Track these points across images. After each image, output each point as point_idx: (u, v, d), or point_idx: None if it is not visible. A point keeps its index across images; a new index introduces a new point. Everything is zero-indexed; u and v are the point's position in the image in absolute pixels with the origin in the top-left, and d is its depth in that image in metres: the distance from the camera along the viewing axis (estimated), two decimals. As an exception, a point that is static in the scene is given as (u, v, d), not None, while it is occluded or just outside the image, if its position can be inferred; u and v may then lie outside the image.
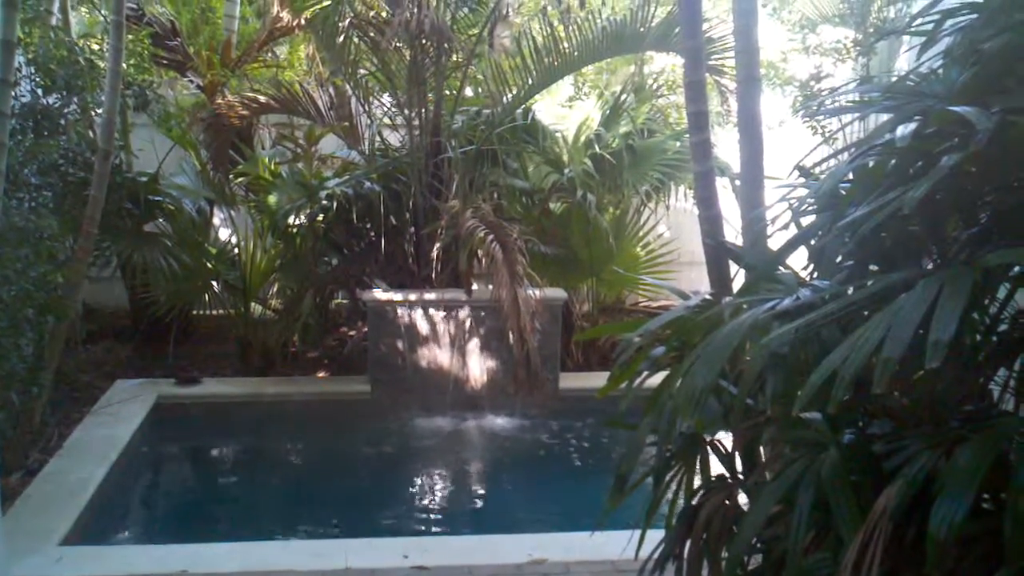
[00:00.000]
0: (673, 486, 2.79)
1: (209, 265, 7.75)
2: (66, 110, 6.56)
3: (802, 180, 2.95)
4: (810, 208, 2.72)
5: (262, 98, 7.94)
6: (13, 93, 5.66)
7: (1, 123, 5.37)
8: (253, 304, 7.92)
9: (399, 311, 6.93)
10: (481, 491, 6.33)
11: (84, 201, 6.24)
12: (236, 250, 8.05)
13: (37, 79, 6.32)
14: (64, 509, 4.83)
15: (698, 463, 2.80)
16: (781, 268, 2.74)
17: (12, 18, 5.49)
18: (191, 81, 8.51)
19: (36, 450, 5.61)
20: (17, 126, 5.87)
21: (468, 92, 8.22)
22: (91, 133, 7.10)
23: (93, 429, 6.07)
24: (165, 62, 8.51)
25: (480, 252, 6.76)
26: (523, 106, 7.80)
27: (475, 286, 7.03)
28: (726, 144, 7.56)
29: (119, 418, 6.26)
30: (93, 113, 7.06)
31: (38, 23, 6.73)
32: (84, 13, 9.07)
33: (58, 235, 5.80)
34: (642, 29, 7.28)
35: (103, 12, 8.43)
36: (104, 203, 6.20)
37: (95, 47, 7.22)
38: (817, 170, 3.01)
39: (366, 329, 7.33)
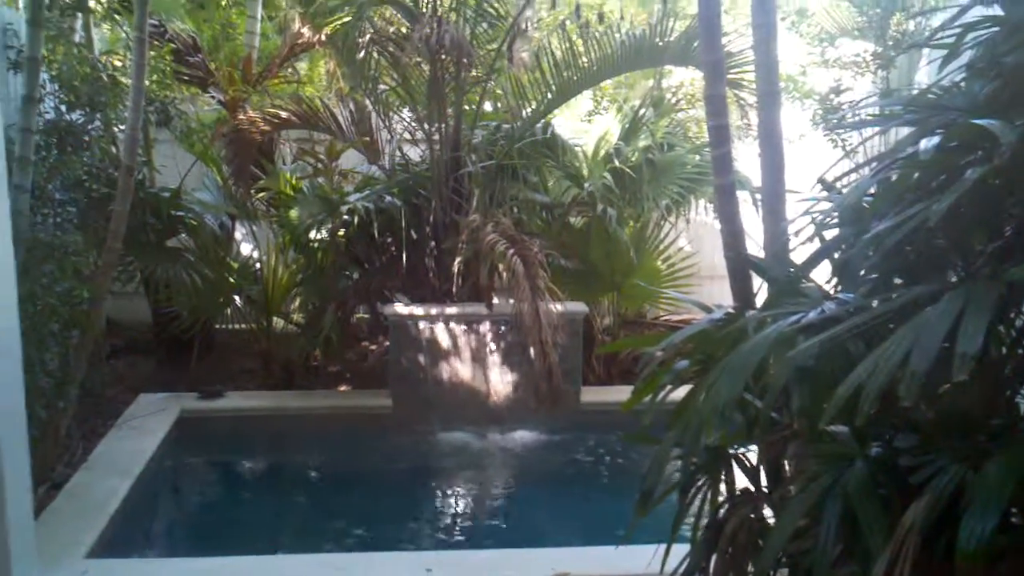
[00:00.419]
0: (698, 500, 2.80)
1: (231, 280, 7.76)
2: (90, 126, 6.61)
3: (825, 194, 2.96)
4: (833, 221, 2.73)
5: (283, 113, 7.98)
6: (38, 110, 5.73)
7: (27, 139, 5.44)
8: (275, 318, 7.95)
9: (420, 325, 6.93)
10: (504, 505, 6.31)
11: (108, 216, 6.28)
12: (258, 265, 8.08)
13: (61, 96, 6.39)
14: (90, 522, 4.86)
15: (723, 476, 2.81)
16: (805, 281, 2.74)
17: (37, 36, 5.56)
18: (212, 97, 8.58)
19: (61, 463, 5.64)
20: (42, 142, 5.93)
21: (487, 107, 8.24)
22: (114, 149, 7.15)
23: (117, 442, 6.10)
24: (186, 78, 8.57)
25: (501, 266, 6.77)
26: (542, 120, 7.82)
27: (496, 300, 7.05)
28: (746, 157, 7.56)
29: (143, 432, 6.28)
30: (116, 129, 7.12)
31: (62, 40, 6.78)
32: (106, 30, 9.14)
33: (83, 250, 5.84)
34: (661, 43, 7.30)
35: (125, 29, 8.50)
36: (127, 218, 6.23)
37: (117, 64, 7.27)
38: (839, 184, 3.02)
39: (387, 343, 7.34)
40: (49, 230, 5.94)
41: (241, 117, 7.89)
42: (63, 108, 6.39)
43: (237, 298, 7.83)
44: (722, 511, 2.74)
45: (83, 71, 6.48)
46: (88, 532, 4.74)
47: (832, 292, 2.61)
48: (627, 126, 8.15)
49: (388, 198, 7.45)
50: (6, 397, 2.66)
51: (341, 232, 7.35)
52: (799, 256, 2.94)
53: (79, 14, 7.75)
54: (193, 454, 6.70)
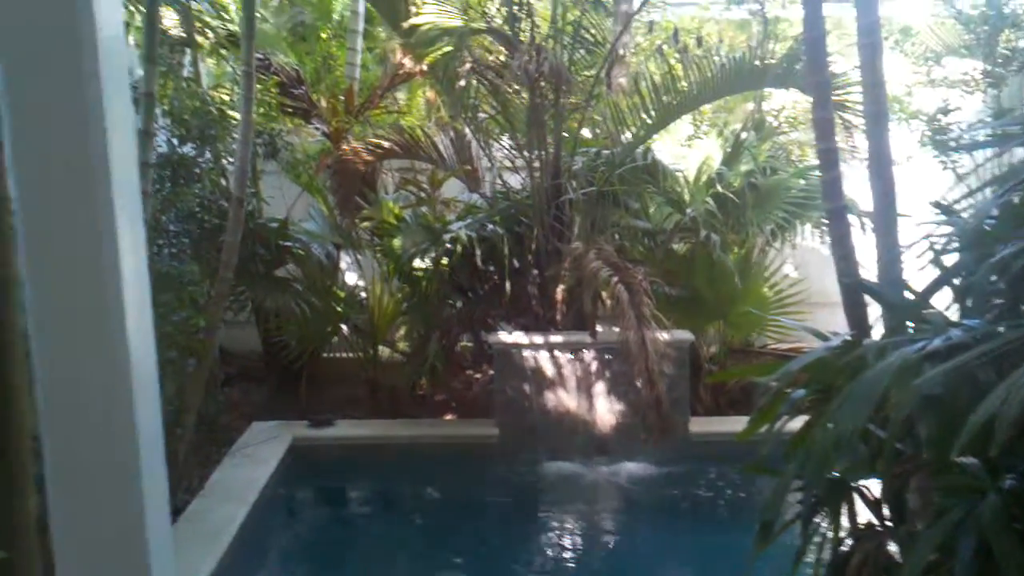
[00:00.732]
0: (819, 533, 2.75)
1: (338, 308, 7.89)
2: (200, 159, 6.81)
3: (941, 217, 2.90)
4: (953, 246, 2.67)
5: (386, 144, 8.12)
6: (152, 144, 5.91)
7: (144, 173, 5.61)
8: (381, 346, 8.05)
9: (525, 354, 6.94)
10: (616, 537, 6.22)
11: (219, 247, 6.44)
12: (363, 293, 8.21)
13: (172, 130, 6.59)
14: (209, 548, 4.96)
15: (844, 509, 2.75)
16: (926, 308, 2.69)
17: (153, 72, 5.75)
18: (316, 128, 8.76)
19: (180, 490, 5.78)
20: (155, 175, 6.11)
21: (586, 133, 8.26)
22: (223, 181, 7.35)
23: (232, 470, 6.24)
24: (290, 110, 8.78)
25: (604, 294, 6.75)
26: (642, 146, 7.80)
27: (600, 328, 7.01)
28: (852, 180, 7.44)
29: (257, 459, 6.42)
30: (225, 161, 7.32)
31: (171, 76, 7.00)
32: (211, 64, 9.42)
33: (197, 280, 6.00)
34: (761, 65, 7.23)
35: (231, 63, 8.75)
36: (238, 249, 6.38)
37: (224, 97, 7.48)
38: (955, 207, 2.96)
39: (492, 372, 7.38)
40: (165, 260, 6.13)
41: (345, 148, 8.04)
42: (175, 142, 6.59)
43: (344, 327, 7.96)
44: (845, 545, 2.68)
45: (192, 105, 6.68)
46: (207, 558, 4.85)
47: (955, 318, 2.55)
48: (728, 150, 8.09)
49: (490, 226, 7.49)
50: (146, 422, 2.75)
51: (444, 261, 7.41)
52: (914, 281, 2.88)
53: (187, 49, 8.01)
54: (305, 482, 6.82)
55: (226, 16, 8.69)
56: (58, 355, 2.77)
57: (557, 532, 6.23)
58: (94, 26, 2.51)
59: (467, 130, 8.25)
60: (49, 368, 2.76)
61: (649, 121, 7.67)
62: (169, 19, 8.12)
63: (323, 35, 10.32)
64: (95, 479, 2.85)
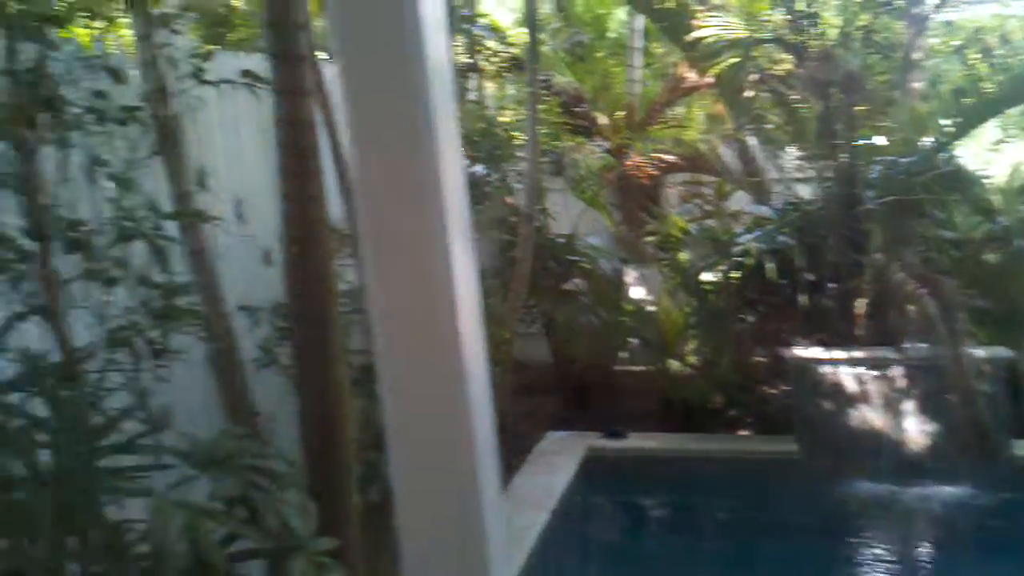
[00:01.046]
0: None
1: (626, 322, 7.93)
2: (490, 178, 7.03)
3: None
4: None
5: (669, 158, 8.10)
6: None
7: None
8: (670, 360, 8.00)
9: (824, 369, 6.70)
10: (941, 571, 5.88)
11: (510, 261, 6.61)
12: (651, 307, 8.19)
13: (464, 151, 6.83)
14: (513, 550, 5.02)
15: None
16: None
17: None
18: (598, 145, 8.85)
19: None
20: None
21: (882, 140, 7.92)
22: (509, 199, 7.54)
23: (531, 477, 6.40)
24: (572, 128, 8.91)
25: (911, 308, 6.42)
26: (946, 152, 7.40)
27: (906, 344, 6.67)
28: None
29: (553, 468, 6.54)
30: (511, 181, 7.50)
31: (459, 100, 7.26)
32: (492, 88, 9.69)
33: (493, 293, 6.18)
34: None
35: (512, 87, 8.99)
36: (530, 263, 6.52)
37: (506, 119, 7.69)
38: None
39: (786, 387, 7.17)
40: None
41: (628, 163, 8.08)
42: (467, 162, 6.84)
43: (632, 340, 7.97)
44: None
45: (480, 127, 6.91)
46: (513, 558, 4.91)
47: None
48: (1047, 153, 7.57)
49: (780, 238, 7.30)
50: (481, 428, 2.87)
51: (736, 274, 7.27)
52: None
53: (471, 74, 8.30)
54: (601, 491, 6.84)
55: (507, 41, 8.95)
56: (399, 366, 2.94)
57: (874, 561, 5.94)
58: (423, 53, 2.65)
59: (752, 141, 8.10)
60: (392, 376, 2.93)
61: (951, 126, 7.27)
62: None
63: (599, 54, 10.41)
64: (437, 479, 2.99)
